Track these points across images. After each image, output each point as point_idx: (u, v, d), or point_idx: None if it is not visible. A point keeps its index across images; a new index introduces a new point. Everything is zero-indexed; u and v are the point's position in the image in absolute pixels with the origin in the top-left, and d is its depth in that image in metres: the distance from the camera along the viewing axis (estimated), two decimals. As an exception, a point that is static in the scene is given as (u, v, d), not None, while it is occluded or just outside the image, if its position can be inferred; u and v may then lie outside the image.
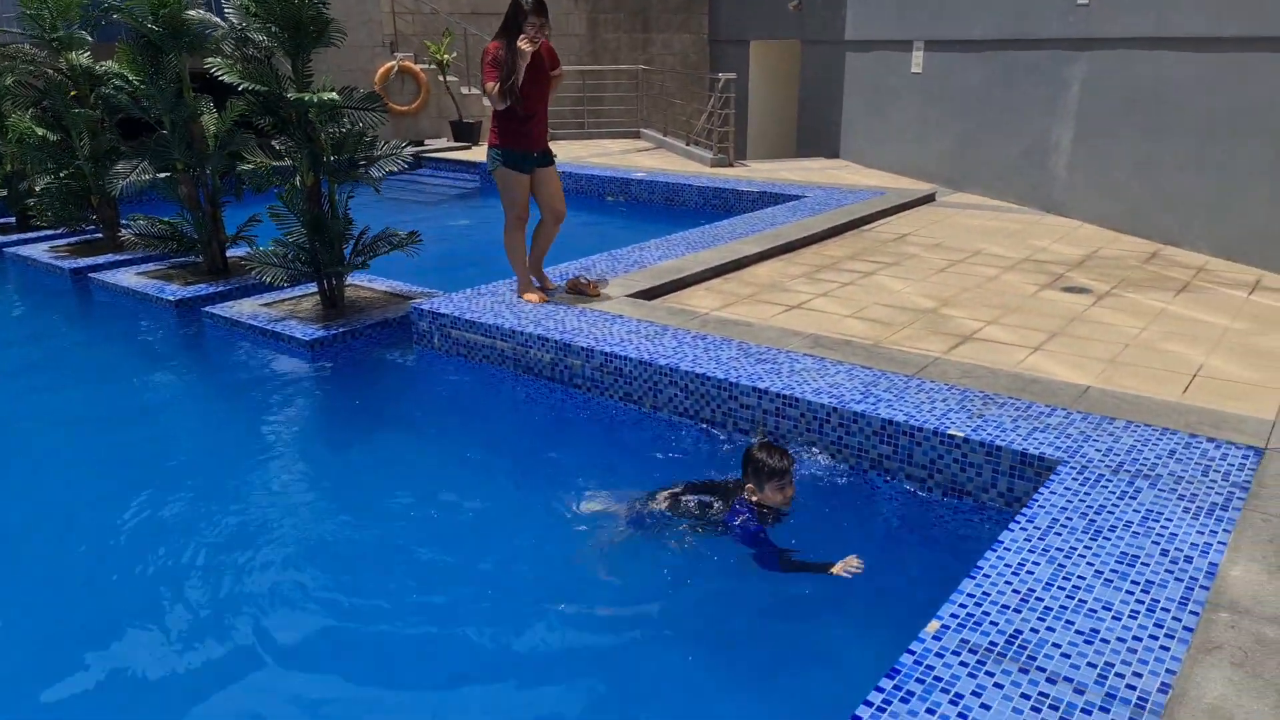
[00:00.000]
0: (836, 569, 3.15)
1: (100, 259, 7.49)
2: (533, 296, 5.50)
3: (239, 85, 5.21)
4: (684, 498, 3.62)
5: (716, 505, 3.53)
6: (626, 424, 4.58)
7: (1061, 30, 7.94)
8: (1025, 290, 5.98)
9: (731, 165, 11.37)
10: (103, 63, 7.04)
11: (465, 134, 13.88)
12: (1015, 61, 8.59)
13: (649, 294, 5.80)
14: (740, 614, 3.17)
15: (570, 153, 12.96)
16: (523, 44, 4.87)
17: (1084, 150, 7.88)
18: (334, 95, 5.13)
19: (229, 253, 7.12)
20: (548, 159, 5.43)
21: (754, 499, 3.44)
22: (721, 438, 4.34)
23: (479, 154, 12.94)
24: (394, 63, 13.62)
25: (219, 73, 5.26)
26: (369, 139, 5.70)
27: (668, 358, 4.54)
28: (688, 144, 12.50)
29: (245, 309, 6.04)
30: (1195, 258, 6.72)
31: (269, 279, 5.69)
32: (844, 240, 7.51)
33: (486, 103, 5.19)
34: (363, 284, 6.70)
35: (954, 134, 9.64)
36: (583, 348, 4.77)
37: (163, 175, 6.66)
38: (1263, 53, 6.16)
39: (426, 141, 14.13)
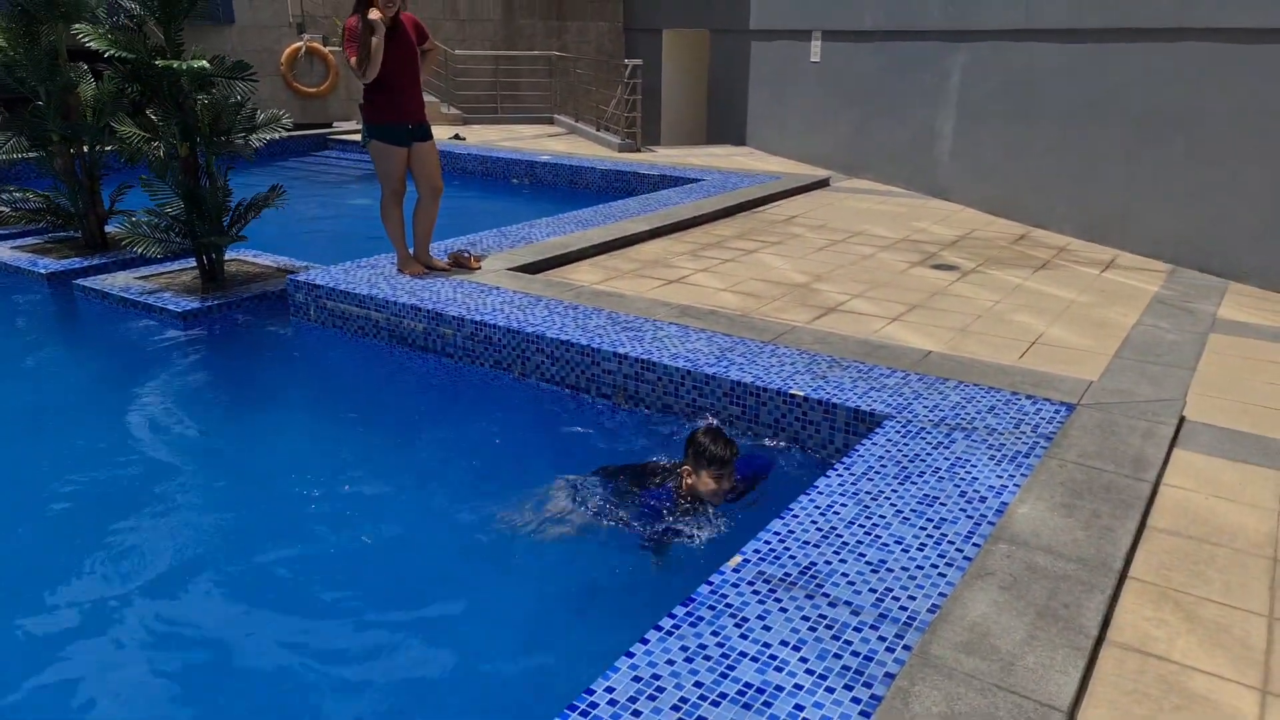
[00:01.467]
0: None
1: (-27, 234, 7.23)
2: (412, 269, 5.52)
3: (105, 52, 5.09)
4: (619, 482, 3.52)
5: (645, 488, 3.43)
6: (497, 391, 4.65)
7: (942, 21, 8.25)
8: (896, 267, 6.23)
9: (639, 150, 11.49)
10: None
11: (376, 117, 13.71)
12: (903, 51, 8.89)
13: (531, 268, 5.87)
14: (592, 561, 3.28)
15: (481, 137, 12.93)
16: (373, 14, 4.93)
17: (964, 137, 8.21)
18: (204, 64, 5.07)
19: (109, 226, 6.94)
20: (424, 133, 5.43)
21: (689, 481, 3.34)
22: (587, 401, 4.44)
23: (389, 137, 12.79)
24: (301, 44, 13.37)
25: (85, 39, 5.14)
26: (248, 111, 5.64)
27: (535, 326, 4.62)
28: (598, 129, 12.57)
29: (118, 281, 5.91)
30: (1059, 239, 7.08)
31: (141, 250, 5.59)
32: (734, 221, 7.68)
33: (356, 78, 5.21)
34: (248, 258, 6.62)
35: (849, 122, 9.92)
36: (454, 317, 4.82)
37: (35, 150, 6.46)
38: (1119, 43, 6.52)
39: (335, 124, 13.91)
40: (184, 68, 5.17)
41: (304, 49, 13.45)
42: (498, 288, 5.29)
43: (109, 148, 5.54)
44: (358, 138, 12.71)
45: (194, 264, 6.23)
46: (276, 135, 5.85)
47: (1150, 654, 2.37)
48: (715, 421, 3.86)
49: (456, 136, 12.69)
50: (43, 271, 6.18)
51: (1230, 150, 5.79)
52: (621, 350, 4.31)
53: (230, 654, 2.82)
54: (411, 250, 5.64)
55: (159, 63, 5.15)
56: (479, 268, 5.66)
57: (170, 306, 5.46)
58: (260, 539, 3.44)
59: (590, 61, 14.80)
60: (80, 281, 5.98)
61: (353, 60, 5.03)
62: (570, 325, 4.64)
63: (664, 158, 10.99)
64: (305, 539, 3.44)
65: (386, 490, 3.83)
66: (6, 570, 3.21)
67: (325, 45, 13.73)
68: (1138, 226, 6.52)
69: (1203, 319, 5.10)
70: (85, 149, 6.57)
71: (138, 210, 6.14)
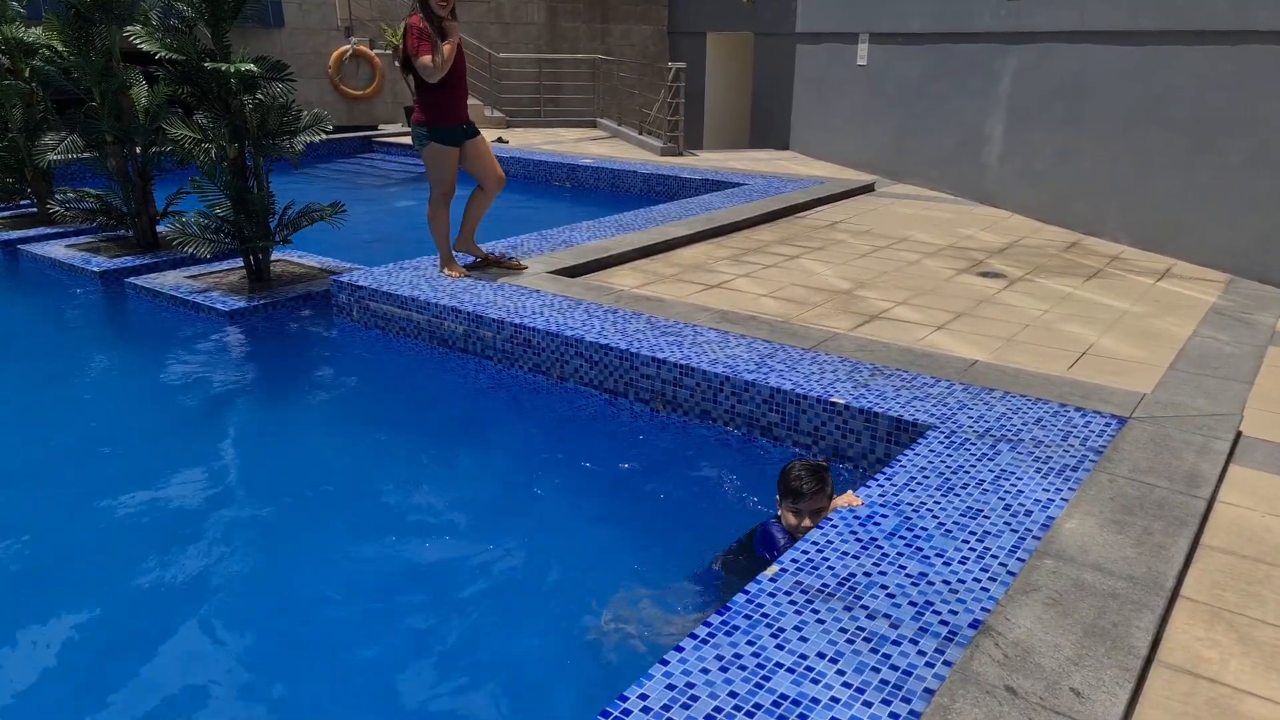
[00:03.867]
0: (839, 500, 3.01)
1: (31, 232, 7.45)
2: (454, 271, 5.56)
3: (156, 54, 5.22)
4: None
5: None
6: (535, 394, 4.66)
7: (993, 24, 8.11)
8: (942, 274, 6.12)
9: (681, 154, 11.46)
10: (33, 31, 7.01)
11: (421, 120, 13.88)
12: (951, 54, 8.76)
13: (571, 271, 5.88)
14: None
15: (524, 139, 13.01)
16: (444, 14, 5.00)
17: (1013, 142, 8.05)
18: (251, 66, 5.16)
19: (160, 226, 7.10)
20: (474, 130, 5.50)
21: (780, 511, 3.03)
22: (625, 405, 4.43)
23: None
24: (349, 46, 13.58)
25: (138, 41, 5.26)
26: (293, 113, 5.73)
27: (574, 329, 4.61)
28: (640, 133, 12.58)
29: (168, 280, 6.05)
30: (1112, 247, 6.90)
31: (191, 250, 5.71)
32: (776, 226, 7.62)
33: (409, 82, 5.25)
34: (294, 259, 6.73)
35: (895, 125, 9.79)
36: (494, 319, 4.84)
37: (89, 151, 6.64)
38: (1176, 45, 6.35)
39: (381, 126, 14.10)
40: (231, 69, 5.27)
41: (351, 52, 13.66)
42: (537, 290, 5.30)
43: (166, 148, 5.66)
44: (404, 140, 12.87)
45: (242, 264, 6.35)
46: (319, 138, 5.93)
47: (1201, 676, 2.28)
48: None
49: (500, 140, 12.78)
50: (95, 269, 6.35)
51: (1292, 157, 5.59)
52: (660, 355, 4.28)
53: (272, 652, 2.85)
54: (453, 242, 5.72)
55: (208, 65, 5.25)
56: (524, 268, 5.69)
57: (218, 305, 5.56)
58: (303, 535, 3.48)
59: (633, 65, 14.82)
60: (132, 280, 6.12)
61: (426, 59, 5.00)
62: (609, 329, 4.63)
63: (706, 161, 10.96)
64: (349, 536, 3.48)
65: (428, 489, 3.85)
66: (52, 564, 3.29)
67: (372, 49, 13.93)
68: (1194, 235, 6.34)
69: (1261, 331, 4.93)
70: (138, 150, 6.74)
71: (190, 212, 6.27)
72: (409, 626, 2.95)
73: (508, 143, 12.52)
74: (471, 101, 15.06)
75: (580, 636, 2.90)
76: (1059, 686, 2.14)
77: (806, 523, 2.95)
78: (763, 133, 12.78)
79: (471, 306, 4.97)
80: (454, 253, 5.70)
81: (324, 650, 2.85)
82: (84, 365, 5.26)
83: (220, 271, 6.35)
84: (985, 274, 6.15)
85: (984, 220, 7.88)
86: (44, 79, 7.00)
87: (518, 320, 4.77)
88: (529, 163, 10.86)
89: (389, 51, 13.93)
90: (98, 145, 6.66)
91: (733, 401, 4.09)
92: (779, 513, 3.05)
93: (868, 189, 9.23)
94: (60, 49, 6.27)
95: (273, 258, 6.29)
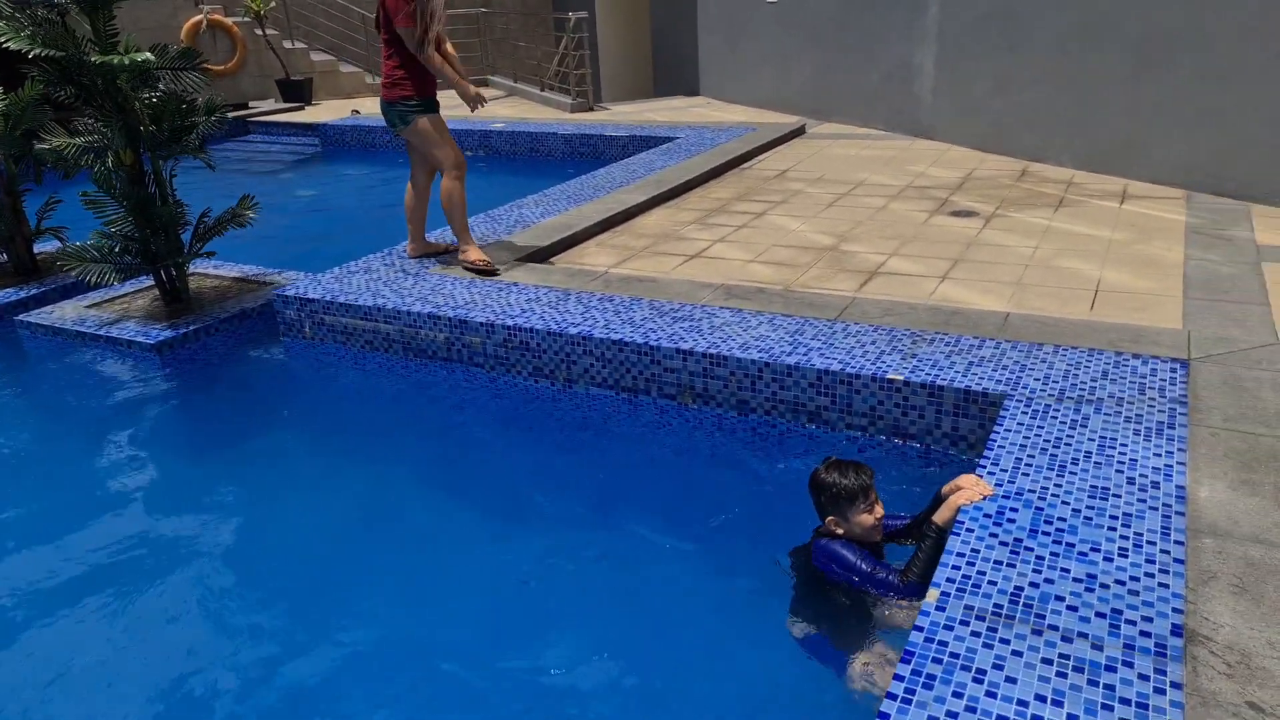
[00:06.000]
0: (960, 498, 2.72)
1: None
2: (480, 256, 5.06)
3: (29, 52, 4.35)
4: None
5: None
6: (539, 402, 4.22)
7: (916, -49, 7.90)
8: (916, 218, 5.96)
9: (592, 110, 10.93)
10: None
11: (296, 93, 12.74)
12: (871, -15, 8.53)
13: (539, 255, 5.40)
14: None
15: (416, 107, 12.11)
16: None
17: (947, 72, 7.93)
18: (147, 55, 4.37)
19: (37, 248, 6.15)
20: None
21: (839, 531, 2.78)
22: (646, 403, 4.06)
23: (314, 114, 11.91)
24: (202, 16, 12.27)
25: (3, 39, 4.37)
26: (188, 104, 4.95)
27: (579, 326, 4.18)
28: (542, 90, 11.93)
29: (69, 314, 5.20)
30: (1062, 172, 6.90)
31: (94, 279, 4.89)
32: (726, 181, 7.29)
33: (431, 51, 4.73)
34: (208, 271, 5.94)
35: (814, 63, 9.55)
36: (482, 323, 4.35)
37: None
38: (1113, -35, 6.28)
39: (251, 104, 12.88)
40: (123, 62, 4.46)
41: (205, 23, 12.36)
42: (516, 284, 4.82)
43: (47, 161, 4.81)
44: (282, 119, 11.77)
45: (147, 284, 5.56)
46: (218, 130, 5.19)
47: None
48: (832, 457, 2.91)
49: (355, 111, 11.80)
50: (-26, 309, 5.42)
51: (1242, 70, 5.63)
52: (684, 346, 3.92)
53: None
54: (409, 240, 5.26)
55: (95, 59, 4.43)
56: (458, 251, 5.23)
57: (140, 339, 4.81)
58: (265, 597, 3.01)
59: (518, 15, 14.02)
60: (23, 317, 5.25)
61: (409, 28, 4.67)
62: (616, 321, 4.22)
63: (623, 115, 10.46)
64: (319, 596, 3.02)
65: (431, 533, 3.39)
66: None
67: (228, 16, 12.64)
68: (1145, 154, 6.37)
69: (1245, 247, 4.97)
70: (2, 162, 5.75)
71: (68, 226, 5.38)
72: (431, 688, 2.55)
73: (360, 113, 11.55)
74: (350, 69, 13.97)
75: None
76: (1295, 692, 1.97)
77: (879, 510, 2.78)
78: (667, 80, 12.34)
79: (452, 311, 4.45)
80: (412, 257, 5.25)
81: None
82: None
83: (125, 296, 5.53)
84: (956, 213, 6.02)
85: (927, 156, 7.77)
86: None
87: (510, 321, 4.29)
88: (432, 133, 10.08)
89: (248, 19, 12.66)
90: (-52, 161, 5.64)
91: (775, 388, 3.79)
92: (832, 531, 2.78)
93: (799, 132, 8.99)
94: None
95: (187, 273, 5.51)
